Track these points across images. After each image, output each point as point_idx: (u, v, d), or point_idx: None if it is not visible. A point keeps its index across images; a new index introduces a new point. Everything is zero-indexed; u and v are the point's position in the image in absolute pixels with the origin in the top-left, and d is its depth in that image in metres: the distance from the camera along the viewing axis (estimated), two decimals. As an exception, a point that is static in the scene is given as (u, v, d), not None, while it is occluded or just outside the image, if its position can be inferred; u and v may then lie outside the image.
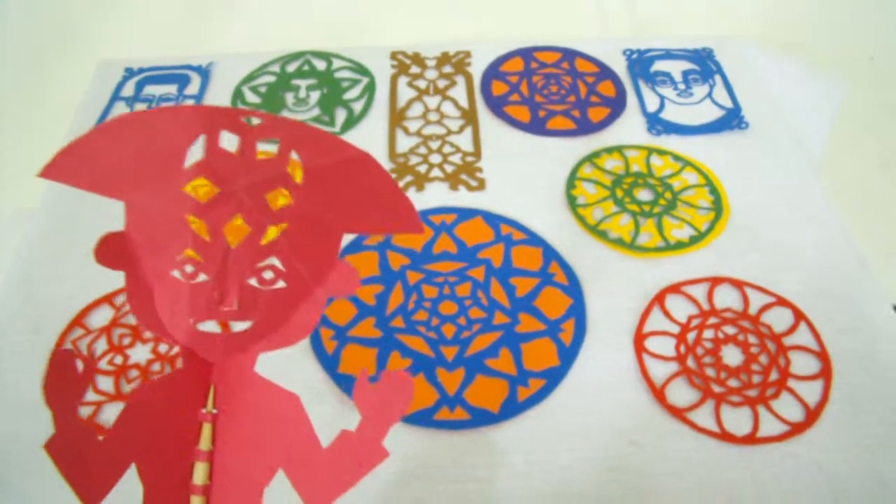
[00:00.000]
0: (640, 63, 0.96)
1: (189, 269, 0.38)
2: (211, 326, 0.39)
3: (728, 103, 0.90)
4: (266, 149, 0.39)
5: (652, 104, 0.90)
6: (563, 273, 0.72)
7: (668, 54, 0.98)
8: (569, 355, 0.66)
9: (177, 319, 0.38)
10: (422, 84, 0.94)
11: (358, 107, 0.91)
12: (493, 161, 0.84)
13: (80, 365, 0.41)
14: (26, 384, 0.65)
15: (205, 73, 0.96)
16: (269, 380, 0.40)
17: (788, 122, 0.89)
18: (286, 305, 0.38)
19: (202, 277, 0.39)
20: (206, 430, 0.39)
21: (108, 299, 0.70)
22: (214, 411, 0.39)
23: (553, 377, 0.64)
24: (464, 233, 0.76)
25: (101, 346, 0.66)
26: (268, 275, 0.38)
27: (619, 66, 0.96)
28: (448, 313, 0.69)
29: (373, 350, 0.66)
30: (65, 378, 0.41)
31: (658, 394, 0.63)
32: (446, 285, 0.71)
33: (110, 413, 0.62)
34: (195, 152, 0.38)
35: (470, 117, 0.90)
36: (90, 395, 0.63)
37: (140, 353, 0.65)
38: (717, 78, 0.94)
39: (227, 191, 0.38)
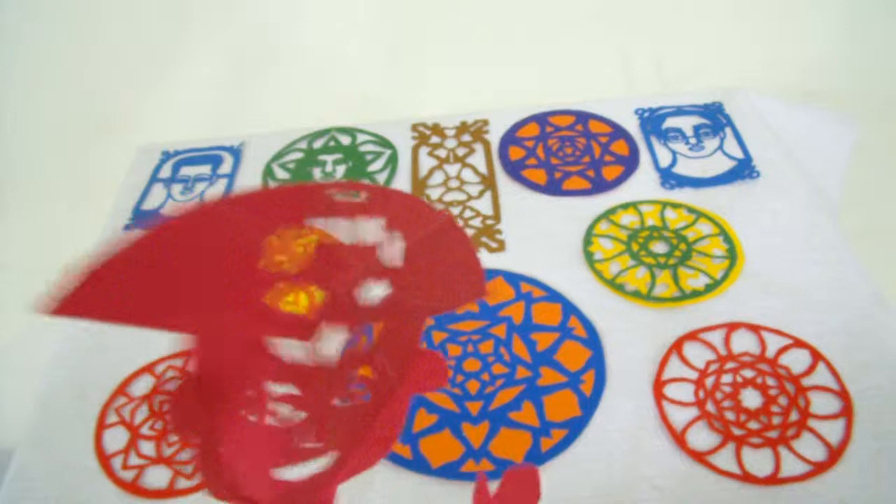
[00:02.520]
0: (652, 121, 1.00)
1: (277, 405, 0.29)
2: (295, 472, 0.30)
3: (739, 154, 0.93)
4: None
5: (664, 160, 0.93)
6: (583, 326, 0.74)
7: (679, 111, 1.01)
8: (590, 405, 0.67)
9: (257, 474, 0.29)
10: (442, 153, 0.99)
11: (382, 178, 0.95)
12: (512, 223, 0.87)
13: None
14: (73, 449, 0.69)
15: (236, 152, 1.01)
16: None
17: (801, 167, 0.91)
18: (366, 417, 0.29)
19: (300, 416, 0.29)
20: None
21: (148, 369, 0.74)
22: None
23: (575, 427, 0.66)
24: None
25: (143, 412, 0.70)
26: (358, 387, 0.30)
27: (632, 125, 1.00)
28: (472, 370, 0.71)
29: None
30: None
31: (679, 439, 0.64)
32: (469, 343, 0.73)
33: (153, 476, 0.66)
34: (274, 248, 0.29)
35: (489, 182, 0.93)
36: (133, 459, 0.66)
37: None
38: (728, 130, 0.97)
39: (325, 293, 0.29)
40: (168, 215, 0.28)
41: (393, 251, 0.30)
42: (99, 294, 0.27)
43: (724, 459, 0.63)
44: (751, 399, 0.67)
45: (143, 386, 0.73)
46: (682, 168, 0.92)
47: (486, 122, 1.03)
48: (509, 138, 1.00)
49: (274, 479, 0.30)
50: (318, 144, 1.02)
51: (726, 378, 0.69)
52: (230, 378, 0.28)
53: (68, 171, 1.17)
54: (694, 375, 0.69)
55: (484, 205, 0.90)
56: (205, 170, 0.99)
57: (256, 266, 0.28)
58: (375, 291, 0.30)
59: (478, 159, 0.97)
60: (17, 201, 1.14)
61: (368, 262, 0.30)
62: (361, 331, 0.30)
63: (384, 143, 1.01)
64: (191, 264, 0.28)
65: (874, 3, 1.25)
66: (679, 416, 0.66)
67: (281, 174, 0.97)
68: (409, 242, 0.30)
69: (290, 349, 0.29)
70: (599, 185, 0.91)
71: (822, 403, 0.66)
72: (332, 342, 0.29)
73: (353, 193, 0.30)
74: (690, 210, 0.86)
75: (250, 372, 0.29)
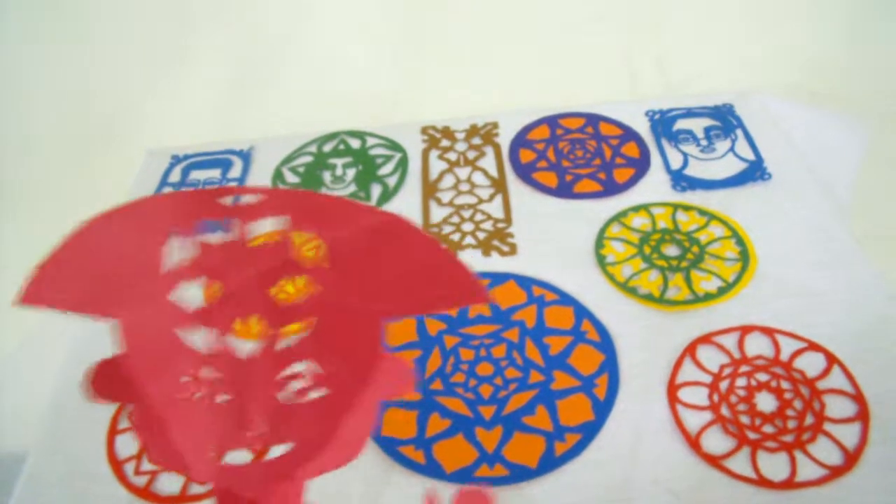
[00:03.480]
0: (663, 123, 0.99)
1: (202, 389, 0.31)
2: (242, 456, 0.32)
3: (750, 156, 0.92)
4: (269, 229, 0.32)
5: (675, 162, 0.93)
6: (595, 330, 0.74)
7: (690, 112, 1.01)
8: (603, 409, 0.67)
9: (199, 453, 0.31)
10: (452, 156, 0.99)
11: (392, 181, 0.95)
12: (523, 226, 0.87)
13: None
14: (85, 455, 0.69)
15: (246, 156, 1.01)
16: None
17: (813, 169, 0.91)
18: (331, 417, 0.31)
19: (222, 398, 0.32)
20: None
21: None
22: None
23: (589, 431, 0.66)
24: (497, 296, 0.78)
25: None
26: (296, 384, 0.32)
27: (642, 128, 1.00)
28: (485, 374, 0.71)
29: (413, 412, 0.68)
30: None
31: (693, 443, 0.64)
32: (482, 348, 0.73)
33: (166, 482, 0.66)
34: (180, 247, 0.32)
35: (499, 185, 0.93)
36: (145, 465, 0.66)
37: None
38: (739, 132, 0.96)
39: (229, 288, 0.32)
40: (95, 218, 0.32)
41: (306, 249, 0.32)
42: (52, 283, 0.31)
43: (740, 463, 0.63)
44: (765, 403, 0.67)
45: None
46: (694, 170, 0.92)
47: (496, 125, 1.03)
48: (520, 141, 1.00)
49: (213, 457, 0.31)
50: (327, 148, 1.02)
51: (740, 381, 0.68)
52: (154, 361, 0.31)
53: (76, 176, 1.17)
54: (708, 379, 0.69)
55: (495, 208, 0.90)
56: (215, 174, 0.99)
57: (158, 266, 0.31)
58: (294, 288, 0.31)
59: (488, 162, 0.97)
60: (25, 206, 1.14)
61: (273, 260, 0.32)
62: (279, 328, 0.32)
63: (394, 146, 1.01)
64: (113, 261, 0.32)
65: (881, 3, 1.25)
66: (693, 420, 0.66)
67: (291, 178, 0.97)
68: (330, 240, 0.31)
69: (202, 340, 0.32)
70: (611, 188, 0.90)
71: (837, 407, 0.66)
72: (248, 334, 0.32)
73: (252, 196, 0.32)
74: (702, 212, 0.85)
75: (171, 356, 0.32)
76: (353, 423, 0.31)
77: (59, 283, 0.32)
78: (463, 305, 0.29)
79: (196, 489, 0.65)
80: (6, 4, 1.24)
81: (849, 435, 0.64)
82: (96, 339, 0.77)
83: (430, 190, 0.93)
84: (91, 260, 0.32)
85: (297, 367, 0.32)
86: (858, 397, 0.66)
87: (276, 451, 0.32)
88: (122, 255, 0.32)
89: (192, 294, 0.32)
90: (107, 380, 0.32)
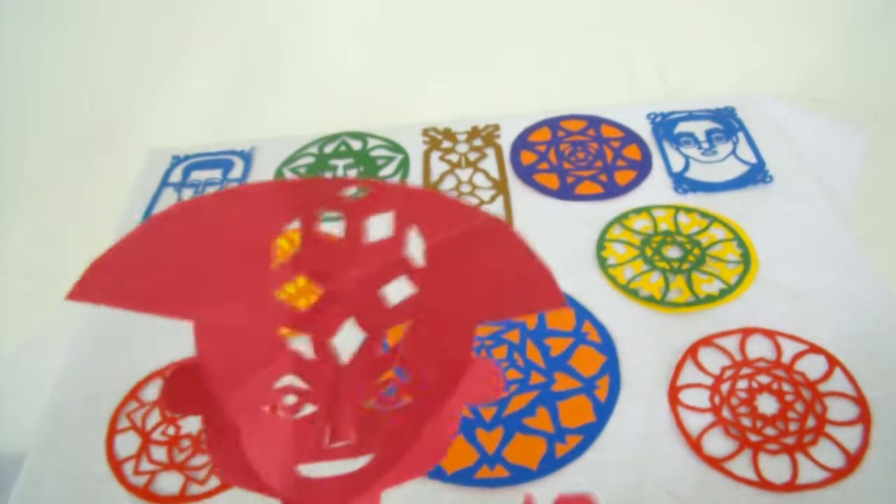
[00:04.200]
0: (664, 125, 0.99)
1: (291, 399, 0.29)
2: (320, 469, 0.30)
3: (752, 159, 0.92)
4: (378, 228, 0.30)
5: (677, 164, 0.93)
6: (597, 332, 0.74)
7: (691, 115, 1.00)
8: (604, 411, 0.67)
9: (277, 468, 0.29)
10: (453, 158, 0.98)
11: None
12: (524, 228, 0.85)
13: None
14: (84, 454, 0.68)
15: (247, 157, 1.01)
16: None
17: (814, 172, 0.91)
18: (413, 425, 0.29)
19: (308, 409, 0.30)
20: None
21: (160, 374, 0.73)
22: None
23: (590, 433, 0.65)
24: (498, 297, 0.78)
25: (155, 418, 0.70)
26: (390, 392, 0.30)
27: (644, 130, 1.00)
28: (485, 375, 0.71)
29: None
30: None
31: (694, 445, 0.64)
32: (483, 349, 0.73)
33: (164, 482, 0.65)
34: (287, 243, 0.29)
35: (501, 187, 0.93)
36: (144, 465, 0.66)
37: (192, 424, 0.69)
38: (740, 135, 0.96)
39: (333, 290, 0.29)
40: (179, 204, 0.28)
41: (411, 249, 0.29)
42: (110, 280, 0.27)
43: (741, 466, 0.63)
44: (767, 405, 0.67)
45: (154, 391, 0.72)
46: (695, 173, 0.92)
47: (497, 127, 1.03)
48: (521, 143, 0.99)
49: (291, 471, 0.29)
50: (329, 149, 1.02)
51: (742, 384, 0.68)
52: (238, 366, 0.28)
53: (78, 176, 1.17)
54: (709, 381, 0.69)
55: (496, 210, 0.90)
56: (215, 174, 0.99)
57: (266, 260, 0.28)
58: (396, 291, 0.29)
59: (489, 164, 0.97)
60: (26, 207, 1.14)
61: (383, 260, 0.29)
62: (381, 332, 0.29)
63: (395, 147, 1.01)
64: (198, 254, 0.28)
65: (880, 8, 1.24)
66: (694, 422, 0.66)
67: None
68: (433, 241, 0.29)
69: (299, 344, 0.29)
70: (612, 190, 0.90)
71: (839, 409, 0.66)
72: (346, 340, 0.29)
73: (361, 190, 0.30)
74: (704, 215, 0.85)
75: (259, 362, 0.29)
76: (435, 431, 0.29)
77: (123, 276, 0.27)
78: (543, 311, 0.28)
79: (195, 489, 0.64)
80: (6, 4, 1.24)
81: (850, 437, 0.64)
82: (95, 340, 0.78)
83: (431, 191, 0.93)
84: (166, 252, 0.28)
85: (388, 375, 0.30)
86: (860, 400, 0.66)
87: (356, 462, 0.30)
88: (208, 247, 0.28)
89: (290, 294, 0.29)
90: (182, 388, 0.28)
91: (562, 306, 0.31)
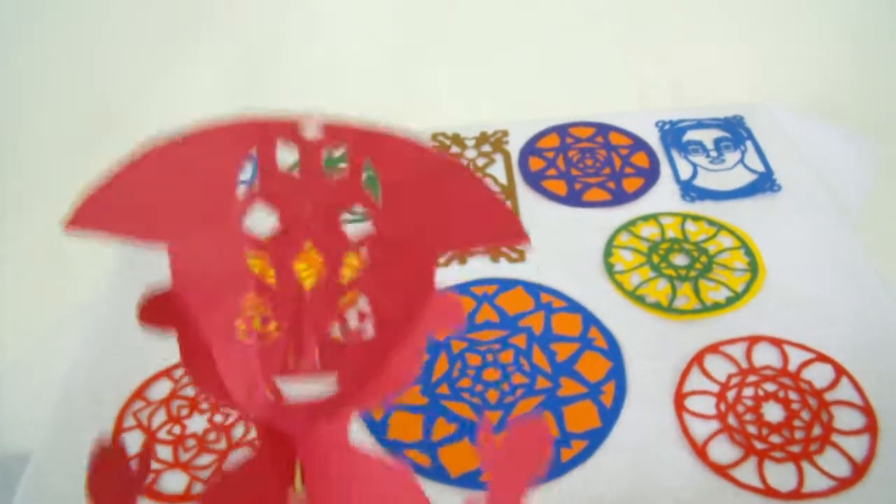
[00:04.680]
0: (673, 133, 0.99)
1: (256, 322, 0.31)
2: (290, 391, 0.32)
3: (760, 167, 0.92)
4: (334, 162, 0.32)
5: (685, 172, 0.93)
6: (603, 337, 0.74)
7: (700, 124, 1.01)
8: (610, 417, 0.67)
9: (246, 386, 0.31)
10: (462, 163, 0.99)
11: (401, 187, 0.95)
12: (532, 233, 0.85)
13: (133, 460, 0.33)
14: (89, 451, 0.68)
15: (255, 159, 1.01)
16: (368, 450, 0.33)
17: (823, 181, 0.91)
18: (378, 354, 0.31)
19: (273, 331, 0.32)
20: None
21: (167, 373, 0.73)
22: (303, 495, 0.32)
23: (595, 438, 0.65)
24: (505, 302, 0.78)
25: (161, 417, 0.70)
26: (352, 318, 0.32)
27: (652, 138, 1.00)
28: (491, 380, 0.71)
29: (419, 416, 0.68)
30: (115, 478, 0.34)
31: (700, 451, 0.64)
32: (489, 353, 0.73)
33: (169, 481, 0.66)
34: (250, 174, 0.32)
35: (509, 192, 0.93)
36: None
37: (197, 424, 0.69)
38: (749, 143, 0.96)
39: (293, 218, 0.32)
40: (156, 146, 0.31)
41: (366, 182, 0.32)
42: (99, 211, 0.30)
43: (746, 473, 0.63)
44: (773, 413, 0.67)
45: (160, 390, 0.73)
46: (703, 181, 0.92)
47: (506, 133, 1.03)
48: (529, 149, 1.00)
49: (260, 393, 0.31)
50: (338, 153, 1.02)
51: (748, 391, 0.68)
52: (208, 291, 0.31)
53: (79, 171, 1.17)
54: (715, 388, 0.69)
55: (504, 215, 0.90)
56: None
57: (231, 192, 0.31)
58: (353, 222, 0.31)
59: (498, 169, 0.97)
60: (29, 211, 1.14)
61: (338, 190, 0.32)
62: (339, 256, 0.32)
63: (404, 152, 1.01)
64: (173, 188, 0.31)
65: (891, 20, 1.25)
66: (700, 429, 0.66)
67: (301, 182, 0.98)
68: (388, 175, 0.31)
69: (265, 272, 0.32)
70: (620, 197, 0.90)
71: (845, 418, 0.66)
72: (308, 268, 0.32)
73: (317, 126, 0.33)
74: (711, 223, 0.85)
75: (228, 287, 0.31)
76: (400, 360, 0.31)
77: (111, 207, 0.30)
78: (503, 244, 0.30)
79: (200, 489, 0.64)
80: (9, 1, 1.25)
81: (857, 447, 0.64)
82: (101, 339, 0.78)
83: (439, 196, 0.93)
84: (148, 185, 0.31)
85: (352, 302, 0.32)
86: (867, 409, 0.66)
87: (322, 390, 0.31)
88: (181, 182, 0.31)
89: (257, 223, 0.31)
90: (157, 307, 0.31)
91: (524, 240, 0.32)
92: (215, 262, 0.31)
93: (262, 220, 0.32)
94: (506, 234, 0.33)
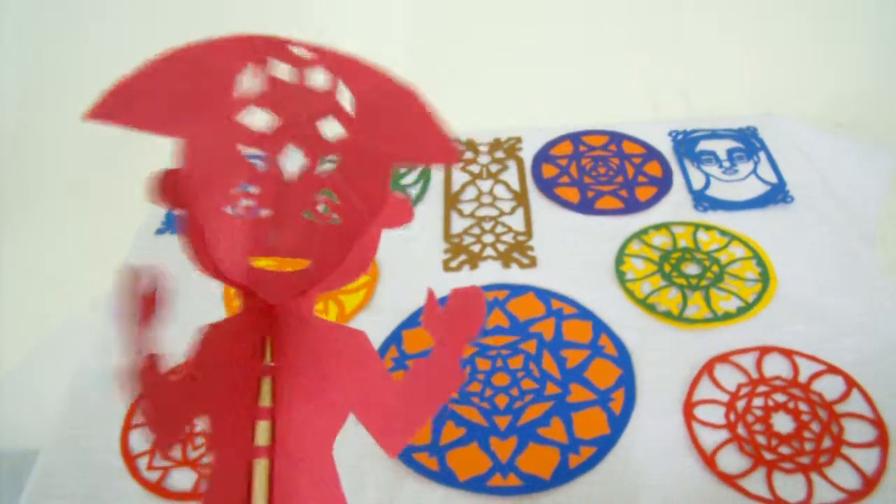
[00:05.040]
0: (686, 143, 0.99)
1: (244, 202, 0.37)
2: (268, 265, 0.37)
3: (773, 178, 0.92)
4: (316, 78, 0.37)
5: (698, 182, 0.93)
6: (613, 345, 0.74)
7: (713, 134, 1.01)
8: (619, 424, 0.67)
9: (232, 259, 0.36)
10: (475, 169, 0.99)
11: (415, 191, 0.96)
12: (544, 240, 0.87)
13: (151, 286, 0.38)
14: (99, 448, 0.69)
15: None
16: (329, 321, 0.38)
17: (836, 194, 0.90)
18: (343, 242, 0.36)
19: (259, 213, 0.37)
20: (266, 385, 0.36)
21: (176, 371, 0.74)
22: (273, 364, 0.36)
23: (604, 445, 0.65)
24: (516, 308, 0.78)
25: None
26: (322, 208, 0.37)
27: (665, 147, 1.00)
28: (501, 385, 0.71)
29: (428, 419, 0.68)
30: (134, 297, 0.39)
31: (709, 461, 0.64)
32: (499, 358, 0.73)
33: (177, 478, 0.66)
34: (248, 80, 0.37)
35: (521, 199, 0.93)
36: (158, 460, 0.67)
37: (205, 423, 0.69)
38: (762, 154, 0.96)
39: (281, 120, 0.37)
40: (169, 51, 0.36)
41: (340, 97, 0.37)
42: (118, 105, 0.35)
43: (755, 483, 0.62)
44: (782, 424, 0.66)
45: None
46: (716, 191, 0.92)
47: (519, 140, 1.03)
48: (543, 156, 1.00)
49: (245, 263, 0.37)
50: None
51: (757, 401, 0.68)
52: (207, 175, 0.36)
53: (99, 178, 1.18)
54: (725, 398, 0.68)
55: (516, 221, 0.90)
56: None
57: (230, 92, 0.36)
58: (330, 128, 0.37)
59: (511, 176, 0.97)
60: (47, 208, 1.15)
61: (318, 101, 0.37)
62: (317, 156, 0.37)
63: (417, 157, 1.02)
64: (181, 86, 0.36)
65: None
66: (709, 438, 0.66)
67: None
68: (357, 93, 0.37)
69: (256, 158, 0.36)
70: (632, 206, 0.90)
71: (856, 431, 0.65)
72: (292, 160, 0.37)
73: (304, 48, 0.38)
74: (723, 233, 0.85)
75: (223, 172, 0.36)
76: (360, 249, 0.36)
77: (133, 101, 0.35)
78: (437, 161, 0.35)
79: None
80: (29, 11, 1.26)
81: (868, 460, 0.64)
82: (111, 337, 0.78)
83: (451, 201, 0.94)
84: (161, 84, 0.35)
85: (323, 195, 0.37)
86: (878, 422, 0.66)
87: (295, 267, 0.37)
88: (191, 82, 0.36)
89: (253, 120, 0.36)
90: (169, 185, 0.35)
91: (454, 159, 0.37)
92: (215, 150, 0.36)
93: (256, 118, 0.37)
94: (442, 153, 0.37)
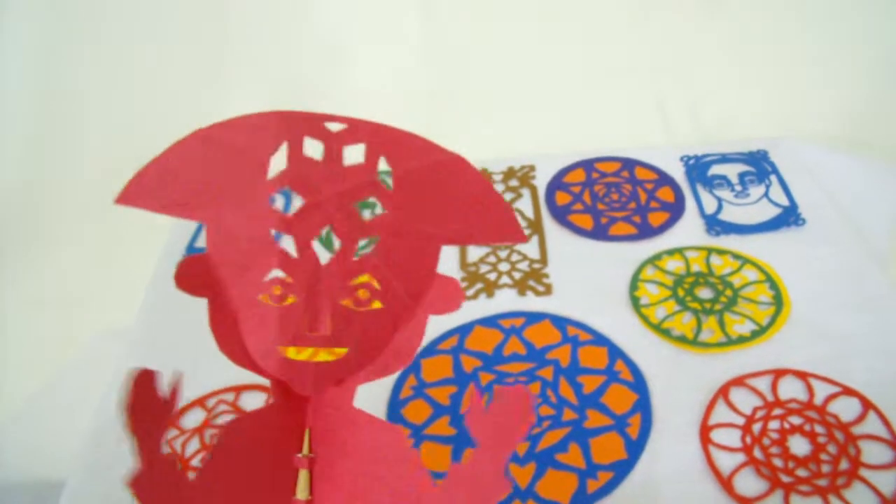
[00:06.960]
0: (698, 168, 1.01)
1: (277, 290, 0.35)
2: (304, 356, 0.36)
3: (784, 201, 0.93)
4: (353, 155, 0.36)
5: (710, 206, 0.94)
6: (629, 370, 0.75)
7: (724, 158, 1.02)
8: (636, 448, 0.68)
9: (265, 348, 0.35)
10: (489, 197, 1.00)
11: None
12: (558, 267, 0.89)
13: (164, 388, 0.38)
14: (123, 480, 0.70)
15: (287, 192, 1.03)
16: (369, 414, 0.36)
17: (848, 216, 0.91)
18: (385, 329, 0.35)
19: (292, 300, 0.35)
20: (303, 476, 0.35)
21: (200, 402, 0.75)
22: (311, 455, 0.35)
23: (621, 470, 0.66)
24: (532, 335, 0.79)
25: (194, 445, 0.72)
26: (363, 293, 0.35)
27: (677, 172, 1.01)
28: (518, 411, 0.72)
29: (448, 447, 0.69)
30: (149, 401, 0.39)
31: (725, 484, 0.64)
32: (517, 385, 0.74)
33: None
34: (278, 162, 0.36)
35: (536, 227, 0.95)
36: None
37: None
38: (773, 178, 0.97)
39: (315, 202, 0.36)
40: (196, 132, 0.35)
41: (381, 175, 0.36)
42: (146, 190, 0.34)
43: (773, 506, 0.63)
44: (799, 446, 0.67)
45: (194, 419, 0.74)
46: (728, 215, 0.93)
47: (533, 168, 1.05)
48: (556, 184, 1.01)
49: (277, 353, 0.35)
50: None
51: (773, 424, 0.69)
52: (238, 261, 0.35)
53: (118, 208, 1.19)
54: (741, 421, 0.69)
55: (531, 249, 0.91)
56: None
57: (262, 175, 0.35)
58: (368, 208, 0.35)
59: (525, 204, 0.99)
60: (66, 238, 1.16)
61: (356, 181, 0.36)
62: (354, 239, 0.36)
63: (432, 187, 1.03)
64: (210, 169, 0.35)
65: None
66: (726, 462, 0.66)
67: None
68: (400, 169, 0.35)
69: (288, 245, 0.35)
70: (645, 231, 0.92)
71: (873, 453, 0.66)
72: (325, 245, 0.36)
73: (339, 123, 0.37)
74: (736, 256, 0.86)
75: (255, 258, 0.35)
76: (404, 337, 0.35)
77: (157, 186, 0.34)
78: (501, 242, 0.34)
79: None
80: (46, 31, 1.27)
81: (886, 482, 0.64)
82: (139, 367, 0.80)
83: (466, 230, 0.95)
84: (189, 166, 0.35)
85: (362, 280, 0.35)
86: (895, 444, 0.66)
87: (333, 356, 0.35)
88: (221, 163, 0.35)
89: (283, 203, 0.35)
90: (192, 273, 0.34)
91: (521, 239, 0.36)
92: (245, 235, 0.35)
93: (286, 202, 0.36)
94: (504, 232, 0.36)
